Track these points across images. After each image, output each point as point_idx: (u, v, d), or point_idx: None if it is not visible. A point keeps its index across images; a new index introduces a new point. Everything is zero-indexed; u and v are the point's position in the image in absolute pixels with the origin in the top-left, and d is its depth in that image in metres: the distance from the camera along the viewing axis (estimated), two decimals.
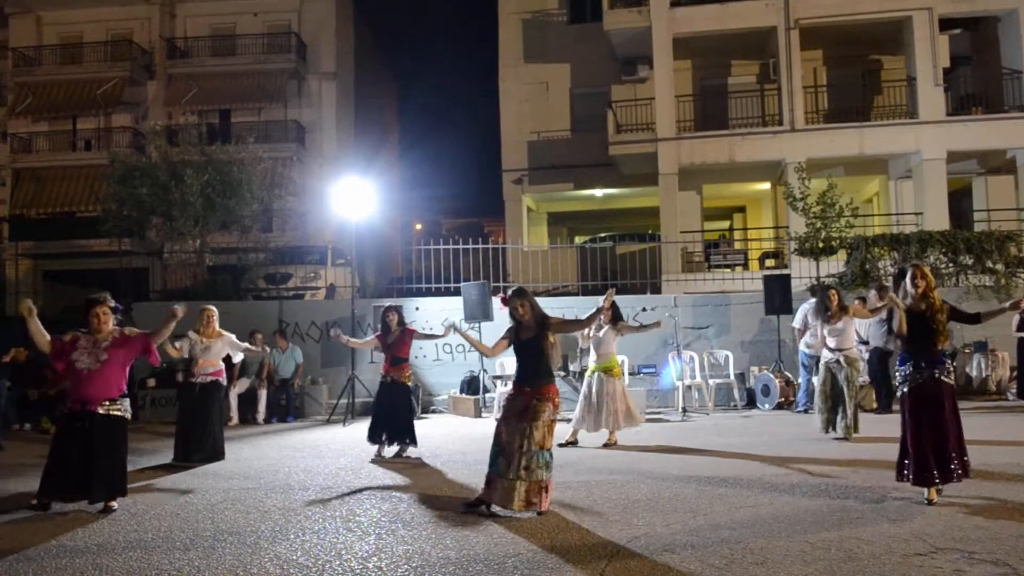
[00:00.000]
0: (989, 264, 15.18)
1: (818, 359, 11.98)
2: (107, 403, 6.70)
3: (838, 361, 9.86)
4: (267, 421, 13.44)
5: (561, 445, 9.55)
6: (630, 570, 4.75)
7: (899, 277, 6.67)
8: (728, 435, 10.49)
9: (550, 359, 6.48)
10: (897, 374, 6.57)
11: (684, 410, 12.83)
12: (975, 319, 7.00)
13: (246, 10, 30.34)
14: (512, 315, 6.59)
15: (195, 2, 30.63)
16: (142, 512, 6.62)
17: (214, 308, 9.57)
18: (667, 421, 12.26)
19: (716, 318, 14.89)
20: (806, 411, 12.34)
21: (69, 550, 5.50)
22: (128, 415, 6.91)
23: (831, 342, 9.98)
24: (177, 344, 9.07)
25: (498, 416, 6.46)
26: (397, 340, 9.57)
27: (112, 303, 6.93)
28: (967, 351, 14.24)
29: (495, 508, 6.21)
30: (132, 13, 30.67)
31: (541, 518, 6.04)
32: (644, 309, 14.82)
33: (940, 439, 6.21)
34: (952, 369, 6.55)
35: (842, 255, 16.46)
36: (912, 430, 6.30)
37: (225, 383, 9.69)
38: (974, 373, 14.07)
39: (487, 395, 13.86)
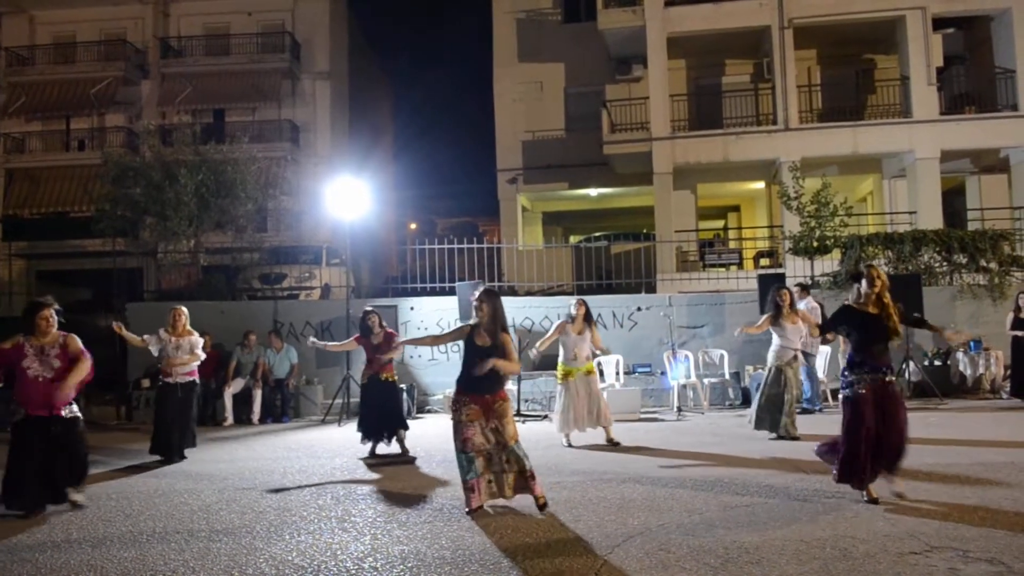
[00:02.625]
0: (983, 263, 15.20)
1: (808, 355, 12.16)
2: (67, 407, 6.76)
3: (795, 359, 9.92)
4: (262, 421, 13.42)
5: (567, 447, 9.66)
6: (625, 569, 4.75)
7: (855, 278, 6.69)
8: (723, 434, 10.50)
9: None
10: (846, 375, 6.49)
11: (679, 409, 12.84)
12: (921, 324, 7.15)
13: (240, 9, 30.25)
14: (477, 317, 6.54)
15: (189, 1, 30.53)
16: (137, 512, 6.61)
17: (184, 308, 9.67)
18: (662, 420, 12.27)
19: (711, 317, 14.90)
20: (803, 411, 12.35)
21: (63, 549, 5.49)
22: (79, 415, 6.98)
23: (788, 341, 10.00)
24: (144, 337, 9.36)
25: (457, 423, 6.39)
26: (383, 343, 9.62)
27: (57, 306, 6.92)
28: (961, 350, 14.28)
29: (489, 506, 6.24)
30: (126, 12, 30.55)
31: (537, 517, 6.04)
32: (639, 308, 14.85)
33: (893, 439, 6.23)
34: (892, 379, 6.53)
35: (836, 254, 16.48)
36: (862, 431, 6.22)
37: (196, 380, 9.72)
38: (968, 372, 14.11)
39: None
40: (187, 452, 9.55)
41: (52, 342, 6.78)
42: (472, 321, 6.64)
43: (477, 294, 6.64)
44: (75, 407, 6.91)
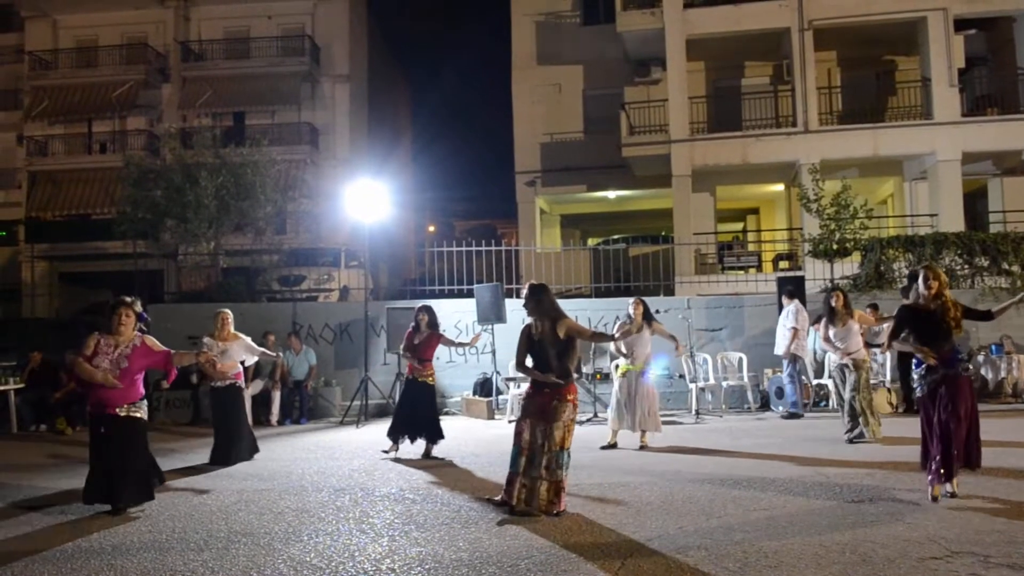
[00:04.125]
0: (1005, 266, 15.07)
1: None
2: (127, 406, 6.73)
3: (846, 365, 9.81)
4: (280, 423, 13.48)
5: (603, 448, 9.67)
6: (643, 572, 4.74)
7: (912, 278, 6.68)
8: (741, 437, 10.45)
9: (569, 359, 6.46)
10: (914, 375, 6.58)
11: (697, 412, 12.79)
12: (987, 316, 7.06)
13: (260, 13, 30.45)
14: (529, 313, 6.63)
15: (209, 5, 30.75)
16: (156, 513, 6.65)
17: (228, 311, 9.56)
18: (680, 423, 12.23)
19: (729, 320, 14.83)
20: (790, 415, 12.29)
21: (84, 551, 5.53)
22: (146, 417, 6.94)
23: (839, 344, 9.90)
24: (195, 353, 9.16)
25: (515, 416, 6.45)
26: (424, 341, 9.59)
27: (138, 309, 6.96)
28: (983, 354, 14.15)
29: (519, 508, 6.22)
30: (147, 17, 30.83)
31: (554, 520, 6.04)
32: (657, 311, 14.71)
33: (960, 434, 6.23)
34: (968, 367, 6.56)
35: (856, 257, 16.38)
36: (934, 429, 6.32)
37: (242, 383, 9.67)
38: (989, 376, 13.97)
39: (500, 397, 13.86)
40: (236, 458, 9.26)
41: (127, 341, 6.81)
42: (527, 321, 6.71)
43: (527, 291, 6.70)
44: (141, 406, 6.83)
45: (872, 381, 10.78)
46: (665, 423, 12.09)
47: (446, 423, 10.23)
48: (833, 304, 9.93)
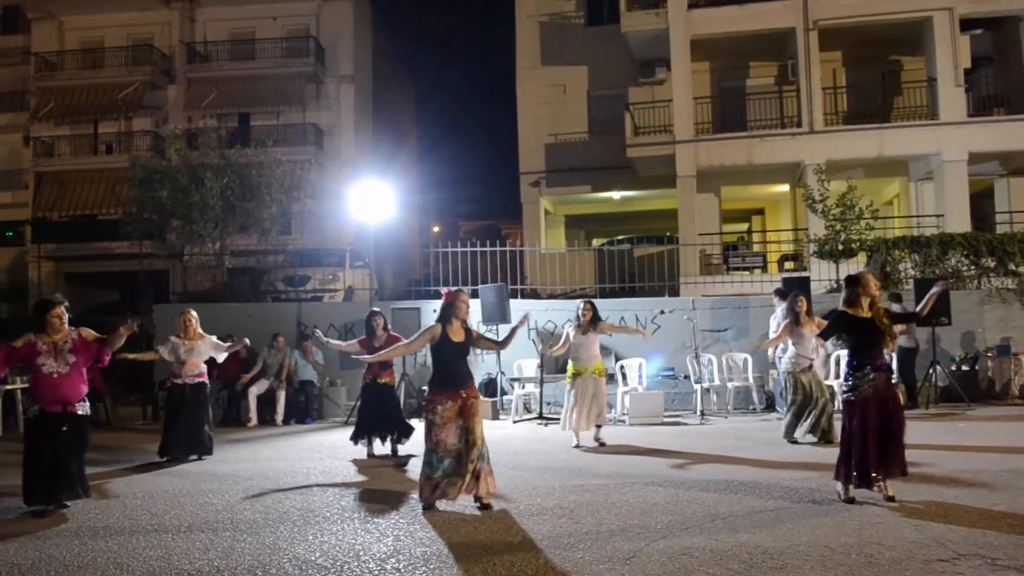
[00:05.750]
0: (1011, 266, 15.02)
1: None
2: (80, 403, 6.87)
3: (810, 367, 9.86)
4: (286, 422, 13.51)
5: (576, 447, 9.76)
6: (648, 573, 4.73)
7: (849, 283, 6.77)
8: (747, 438, 10.43)
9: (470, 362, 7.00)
10: (846, 379, 6.62)
11: (702, 413, 12.77)
12: (915, 317, 7.25)
13: (265, 15, 30.46)
14: (454, 312, 6.74)
15: (214, 7, 30.77)
16: (162, 511, 6.66)
17: (193, 312, 9.69)
18: (685, 424, 12.22)
19: (735, 321, 14.81)
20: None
21: (89, 547, 5.54)
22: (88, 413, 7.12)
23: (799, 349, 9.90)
24: (158, 348, 9.61)
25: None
26: (385, 345, 9.66)
27: (66, 304, 7.02)
28: (989, 355, 14.12)
29: (445, 503, 6.57)
30: (152, 18, 30.86)
31: (562, 520, 6.03)
32: (662, 312, 14.78)
33: (891, 437, 6.32)
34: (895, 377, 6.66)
35: (862, 257, 16.35)
36: (858, 433, 6.37)
37: (209, 384, 9.86)
38: (996, 377, 13.93)
39: (504, 397, 13.87)
40: (181, 453, 9.47)
41: (64, 338, 6.88)
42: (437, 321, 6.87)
43: (450, 292, 6.89)
44: (86, 404, 7.01)
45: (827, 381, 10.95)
46: (670, 424, 12.15)
47: None
48: (797, 309, 9.93)
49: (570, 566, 4.91)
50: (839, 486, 6.47)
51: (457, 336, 6.72)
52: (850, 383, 6.53)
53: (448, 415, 6.54)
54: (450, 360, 6.72)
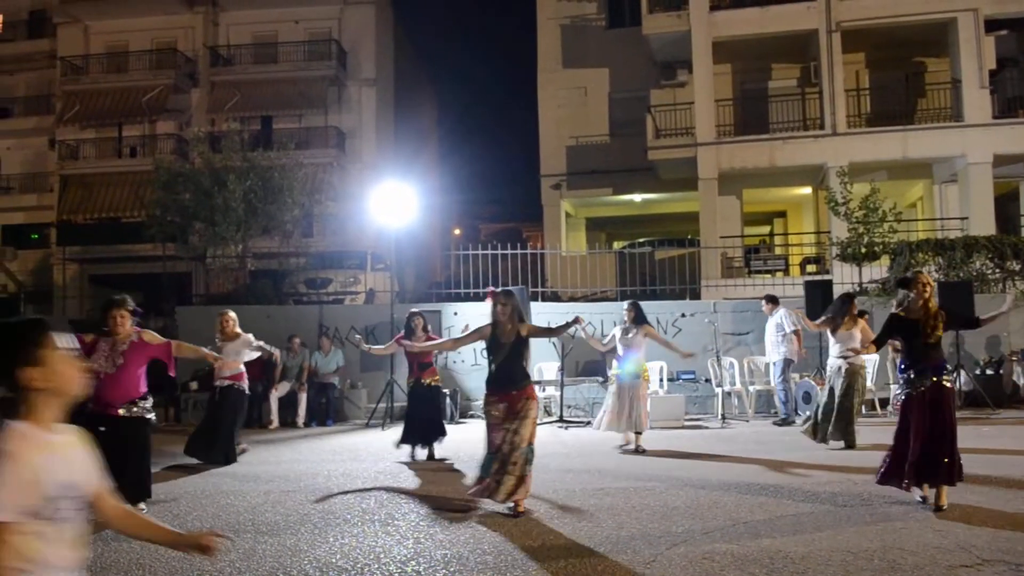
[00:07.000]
0: None
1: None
2: (128, 405, 6.71)
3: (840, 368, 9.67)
4: (307, 424, 13.57)
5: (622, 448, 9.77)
6: (669, 574, 4.72)
7: (900, 284, 6.71)
8: (768, 442, 10.38)
9: (526, 361, 6.74)
10: (899, 379, 6.59)
11: (723, 417, 12.72)
12: (974, 324, 7.08)
13: (287, 18, 30.65)
14: (493, 314, 6.71)
15: (238, 11, 31.02)
16: (184, 513, 6.71)
17: (231, 312, 9.61)
18: (706, 428, 12.17)
19: (756, 324, 14.69)
20: (782, 422, 12.18)
21: (112, 548, 5.57)
22: (150, 416, 6.91)
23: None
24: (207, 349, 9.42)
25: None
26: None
27: (131, 306, 6.99)
28: (1014, 358, 13.95)
29: (482, 503, 6.57)
30: (176, 22, 31.17)
31: (582, 524, 6.02)
32: (683, 315, 14.73)
33: (936, 442, 6.19)
34: (952, 375, 6.53)
35: (885, 261, 16.22)
36: (911, 434, 6.27)
37: (243, 386, 9.59)
38: (1021, 381, 13.77)
39: None
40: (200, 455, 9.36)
41: (124, 338, 6.84)
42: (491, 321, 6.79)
43: (495, 294, 6.81)
44: (143, 405, 6.80)
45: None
46: (691, 428, 12.10)
47: (471, 426, 10.28)
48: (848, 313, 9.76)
49: (590, 570, 4.90)
50: (915, 492, 6.35)
51: (507, 337, 6.60)
52: (901, 385, 6.49)
53: (498, 415, 6.51)
54: (499, 360, 6.63)
